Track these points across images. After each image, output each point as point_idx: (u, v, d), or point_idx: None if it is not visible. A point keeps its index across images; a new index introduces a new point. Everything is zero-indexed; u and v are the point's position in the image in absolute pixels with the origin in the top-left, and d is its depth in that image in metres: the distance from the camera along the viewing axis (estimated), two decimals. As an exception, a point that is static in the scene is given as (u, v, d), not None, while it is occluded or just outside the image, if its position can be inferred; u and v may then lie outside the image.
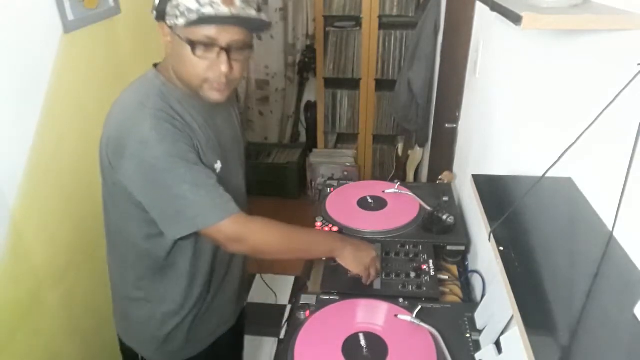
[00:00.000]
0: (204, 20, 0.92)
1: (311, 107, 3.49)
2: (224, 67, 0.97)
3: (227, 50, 0.97)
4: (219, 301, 1.24)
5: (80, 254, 1.58)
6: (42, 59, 1.39)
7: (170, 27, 0.97)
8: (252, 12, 0.96)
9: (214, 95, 1.02)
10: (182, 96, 1.05)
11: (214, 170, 1.06)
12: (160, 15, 0.97)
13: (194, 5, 0.92)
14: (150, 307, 1.17)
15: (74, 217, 1.53)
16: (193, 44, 0.95)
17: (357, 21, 2.96)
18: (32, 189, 1.36)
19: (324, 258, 1.22)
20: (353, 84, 3.14)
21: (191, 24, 0.92)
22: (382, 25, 2.92)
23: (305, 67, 3.35)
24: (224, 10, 0.93)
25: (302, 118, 3.60)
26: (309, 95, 3.53)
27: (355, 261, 1.14)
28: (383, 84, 3.08)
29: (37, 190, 1.38)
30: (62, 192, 1.49)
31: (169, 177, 0.96)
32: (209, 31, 0.94)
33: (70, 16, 1.45)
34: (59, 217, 1.48)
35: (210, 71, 0.99)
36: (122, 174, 1.00)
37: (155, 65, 1.10)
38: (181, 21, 0.94)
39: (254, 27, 1.01)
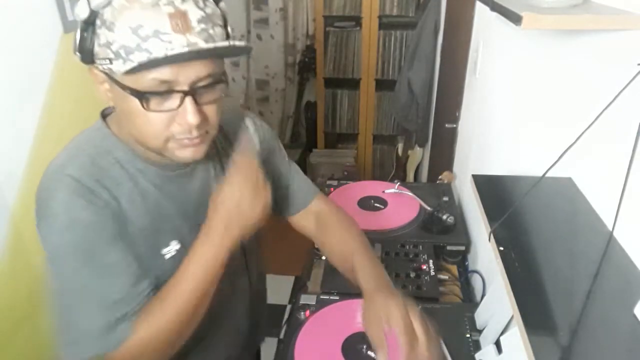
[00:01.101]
0: (150, 65, 0.64)
1: (311, 107, 3.48)
2: (191, 118, 0.69)
3: (192, 93, 0.69)
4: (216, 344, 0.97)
5: (80, 254, 1.57)
6: (42, 59, 1.39)
7: (105, 73, 0.69)
8: (217, 35, 0.69)
9: (185, 153, 0.74)
10: (129, 156, 0.78)
11: (160, 256, 0.81)
12: (87, 57, 0.69)
13: (132, 42, 0.63)
14: None
15: (74, 217, 1.53)
16: (141, 96, 0.67)
17: (357, 21, 2.96)
18: (32, 189, 1.34)
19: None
20: (353, 84, 3.14)
21: (133, 71, 0.64)
22: (382, 25, 2.92)
23: (305, 67, 3.35)
24: (179, 41, 0.64)
25: (302, 118, 3.60)
26: (309, 95, 3.53)
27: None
28: (383, 84, 3.08)
29: (37, 190, 1.38)
30: (62, 192, 1.48)
31: (64, 276, 0.74)
32: (162, 73, 0.66)
33: (70, 16, 1.45)
34: (59, 217, 1.48)
35: (173, 126, 0.71)
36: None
37: (106, 115, 0.83)
38: (119, 66, 0.65)
39: (225, 53, 0.73)
